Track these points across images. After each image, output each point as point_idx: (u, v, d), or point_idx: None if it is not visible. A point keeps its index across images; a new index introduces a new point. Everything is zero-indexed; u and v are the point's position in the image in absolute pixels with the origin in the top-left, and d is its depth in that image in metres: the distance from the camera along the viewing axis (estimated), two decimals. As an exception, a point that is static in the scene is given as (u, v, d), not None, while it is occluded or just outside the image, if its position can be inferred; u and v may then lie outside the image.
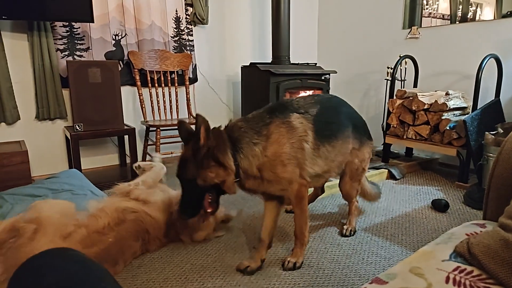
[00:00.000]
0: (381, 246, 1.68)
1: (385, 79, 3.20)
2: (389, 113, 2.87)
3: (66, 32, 2.59)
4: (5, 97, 2.40)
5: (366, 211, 2.10)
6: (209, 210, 1.38)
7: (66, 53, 2.60)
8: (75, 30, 2.62)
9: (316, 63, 3.42)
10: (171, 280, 1.42)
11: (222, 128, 1.39)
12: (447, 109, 2.51)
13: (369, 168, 2.68)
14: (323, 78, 3.21)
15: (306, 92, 3.25)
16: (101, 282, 0.55)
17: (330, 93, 3.31)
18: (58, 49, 2.56)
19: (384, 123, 3.02)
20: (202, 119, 1.25)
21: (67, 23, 2.57)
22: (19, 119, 2.54)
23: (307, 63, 3.35)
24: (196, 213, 1.39)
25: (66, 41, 2.59)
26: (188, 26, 3.17)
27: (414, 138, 2.69)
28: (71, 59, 2.62)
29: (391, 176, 2.70)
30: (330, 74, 3.26)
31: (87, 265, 0.58)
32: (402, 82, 3.16)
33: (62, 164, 2.75)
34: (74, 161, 2.40)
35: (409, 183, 2.62)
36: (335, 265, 1.51)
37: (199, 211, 1.37)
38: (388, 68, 3.14)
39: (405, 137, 2.76)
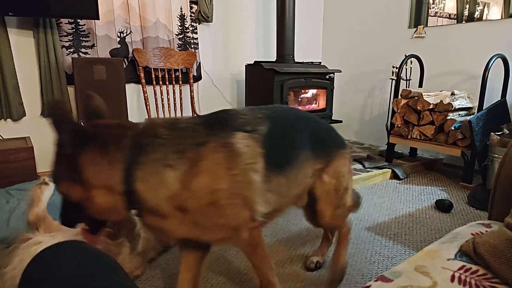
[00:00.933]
0: (384, 245, 1.68)
1: (390, 79, 3.19)
2: (393, 112, 2.86)
3: (72, 29, 2.60)
4: (11, 94, 2.42)
5: (369, 211, 2.09)
6: (86, 227, 1.02)
7: (72, 50, 2.61)
8: (80, 27, 2.63)
9: (320, 62, 3.41)
10: (175, 277, 1.42)
11: (133, 126, 0.99)
12: (453, 109, 2.50)
13: (372, 168, 2.70)
14: (327, 77, 3.20)
15: (307, 92, 3.25)
16: (113, 275, 0.55)
17: (334, 92, 3.30)
18: (63, 46, 2.57)
19: (389, 123, 3.02)
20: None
21: (73, 20, 2.58)
22: (25, 116, 2.55)
23: (312, 62, 3.35)
24: (74, 223, 1.03)
25: (71, 38, 2.60)
26: (192, 24, 3.17)
27: (418, 138, 2.68)
28: (76, 56, 2.63)
29: (394, 176, 2.70)
30: (335, 73, 3.25)
31: (99, 258, 0.59)
32: (407, 81, 3.14)
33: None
34: (78, 158, 2.41)
35: (413, 183, 2.61)
36: (338, 264, 1.51)
37: (78, 221, 1.02)
38: (393, 67, 3.12)
39: (409, 137, 2.75)
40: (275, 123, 1.11)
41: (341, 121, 3.29)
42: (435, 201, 2.16)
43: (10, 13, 2.27)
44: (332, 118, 3.31)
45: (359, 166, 2.79)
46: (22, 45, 2.50)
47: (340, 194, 1.26)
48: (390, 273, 0.74)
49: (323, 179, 1.21)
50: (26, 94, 2.54)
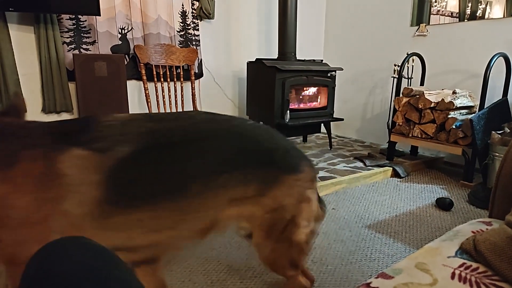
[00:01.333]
0: (384, 243, 1.68)
1: (392, 77, 3.18)
2: (394, 111, 2.86)
3: (73, 25, 2.59)
4: (12, 89, 2.41)
5: (370, 208, 2.09)
6: None
7: (73, 46, 2.61)
8: (81, 23, 2.62)
9: (322, 60, 3.40)
10: (177, 272, 1.43)
11: None
12: (454, 107, 2.49)
13: (373, 166, 2.70)
14: (329, 75, 3.20)
15: (308, 90, 3.25)
16: (115, 270, 0.55)
17: (336, 89, 3.30)
18: (64, 42, 2.57)
19: (390, 121, 3.01)
20: None
21: (74, 16, 2.58)
22: (25, 112, 2.55)
23: (313, 60, 3.34)
24: None
25: (72, 34, 2.60)
26: (194, 20, 3.17)
27: (419, 136, 2.68)
28: (77, 52, 2.62)
29: (395, 174, 2.69)
30: (336, 71, 3.24)
31: (100, 253, 0.58)
32: (409, 80, 3.14)
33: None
34: (79, 154, 2.41)
35: (414, 181, 2.61)
36: (339, 261, 1.52)
37: None
38: (395, 65, 3.12)
39: (410, 135, 2.74)
40: (156, 142, 0.88)
41: (342, 119, 3.29)
42: (435, 199, 2.16)
43: (10, 8, 2.27)
44: (334, 116, 3.31)
45: (360, 164, 2.78)
46: (23, 41, 2.50)
47: (280, 228, 1.00)
48: (390, 270, 0.74)
49: (255, 210, 0.97)
50: (27, 90, 2.54)
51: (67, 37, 2.58)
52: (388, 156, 2.94)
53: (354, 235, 1.75)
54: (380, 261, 1.52)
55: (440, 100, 2.54)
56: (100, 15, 2.54)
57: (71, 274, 0.52)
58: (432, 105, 2.56)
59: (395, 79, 2.98)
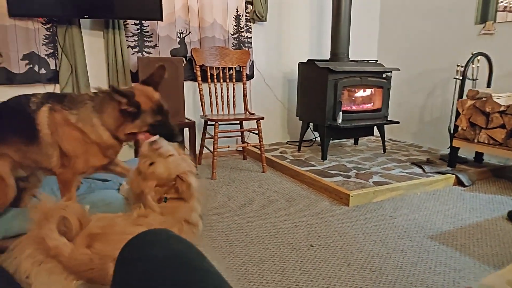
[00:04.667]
0: (450, 256, 1.58)
1: (454, 78, 2.98)
2: (457, 114, 2.67)
3: (137, 30, 2.75)
4: (83, 90, 2.61)
5: (432, 218, 1.98)
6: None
7: (136, 49, 2.76)
8: (144, 28, 2.77)
9: (376, 60, 3.29)
10: (232, 269, 1.46)
11: None
12: (528, 111, 2.28)
13: (433, 173, 2.55)
14: (384, 75, 3.08)
15: (361, 91, 3.15)
16: (204, 262, 0.58)
17: (391, 91, 3.17)
18: (129, 46, 2.73)
19: (452, 125, 2.83)
20: None
21: (138, 22, 2.73)
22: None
23: (367, 60, 3.24)
24: None
25: (136, 39, 2.75)
26: (247, 23, 3.21)
27: (486, 142, 2.49)
28: (140, 55, 2.78)
29: (458, 182, 2.52)
30: (392, 72, 3.12)
31: (189, 245, 0.61)
32: (474, 81, 2.93)
33: (128, 154, 2.94)
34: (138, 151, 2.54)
35: (480, 190, 2.42)
36: (399, 272, 1.45)
37: None
38: (458, 66, 2.92)
39: (476, 141, 2.55)
40: None
41: (398, 122, 3.14)
42: (507, 212, 1.99)
43: (85, 16, 2.46)
44: (388, 119, 3.18)
45: (418, 170, 2.65)
46: (94, 45, 2.69)
47: None
48: (480, 287, 0.69)
49: None
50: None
51: (132, 41, 2.74)
52: (450, 162, 2.76)
53: (415, 245, 1.67)
54: (446, 275, 1.43)
55: (511, 103, 2.33)
56: (162, 20, 2.68)
57: (167, 258, 0.54)
58: (502, 108, 2.37)
59: (458, 81, 2.79)
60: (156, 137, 1.40)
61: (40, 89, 2.57)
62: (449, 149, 2.79)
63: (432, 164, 2.76)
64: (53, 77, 2.57)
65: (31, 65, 2.49)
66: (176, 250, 0.58)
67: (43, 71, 2.53)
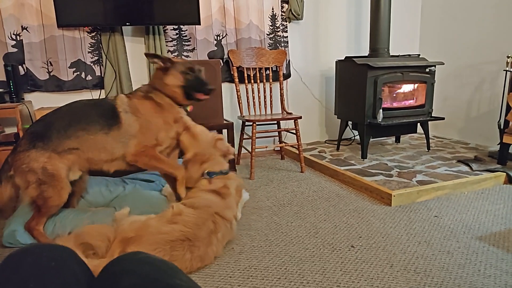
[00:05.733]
0: (501, 258, 1.49)
1: (504, 70, 2.79)
2: (508, 108, 2.50)
3: (176, 35, 2.85)
4: (126, 94, 2.75)
5: (480, 218, 1.87)
6: None
7: (175, 54, 2.86)
8: (183, 32, 2.87)
9: (419, 55, 3.16)
10: (272, 269, 1.47)
11: None
12: None
13: (482, 171, 2.41)
14: (427, 70, 2.95)
15: (403, 87, 3.03)
16: (173, 279, 0.60)
17: (435, 86, 3.03)
18: (169, 51, 2.83)
19: (502, 120, 2.65)
20: None
21: (177, 27, 2.83)
22: None
23: (409, 55, 3.12)
24: None
25: (175, 43, 2.85)
26: (283, 23, 3.21)
27: (543, 138, 2.31)
28: (180, 59, 2.86)
29: (509, 181, 2.37)
30: (436, 66, 2.98)
31: (157, 265, 0.63)
32: (527, 73, 2.72)
33: (169, 155, 3.06)
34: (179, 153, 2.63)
35: (535, 190, 2.26)
36: (445, 274, 1.39)
37: None
38: (508, 57, 2.73)
39: (530, 136, 2.38)
40: None
41: (443, 118, 3.00)
42: None
43: (127, 23, 2.59)
44: (432, 115, 3.04)
45: (465, 168, 2.51)
46: (135, 51, 2.83)
47: None
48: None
49: None
50: (138, 94, 2.86)
51: (171, 46, 2.84)
52: (500, 159, 2.59)
53: (463, 247, 1.59)
54: (497, 279, 1.35)
55: None
56: (200, 24, 2.75)
57: (135, 285, 0.57)
58: (561, 101, 2.19)
59: (509, 73, 2.61)
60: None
61: (87, 95, 2.75)
62: (498, 145, 2.62)
63: (480, 162, 2.61)
64: (99, 83, 2.74)
65: (78, 72, 2.66)
66: (144, 275, 0.60)
67: (89, 77, 2.70)
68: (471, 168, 2.50)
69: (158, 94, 1.79)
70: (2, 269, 0.59)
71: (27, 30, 2.48)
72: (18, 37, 2.48)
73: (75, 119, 1.66)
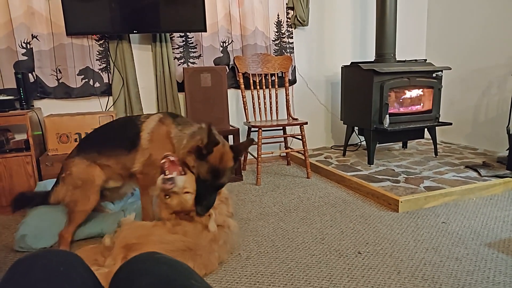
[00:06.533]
0: (510, 265, 1.47)
1: (512, 75, 2.78)
2: (517, 113, 2.48)
3: (182, 42, 2.88)
4: (134, 101, 2.78)
5: (489, 224, 1.85)
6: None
7: (182, 60, 2.89)
8: (189, 39, 2.90)
9: (425, 59, 3.15)
10: (278, 275, 1.47)
11: None
12: None
13: (490, 176, 2.39)
14: (434, 75, 2.94)
15: (409, 92, 3.02)
16: (190, 280, 0.60)
17: (442, 91, 3.01)
18: (175, 58, 2.87)
19: (511, 125, 2.63)
20: None
21: (183, 34, 2.87)
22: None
23: (415, 60, 3.11)
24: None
25: (182, 50, 2.89)
26: (288, 29, 3.23)
27: (552, 143, 2.28)
28: (186, 66, 2.90)
29: (520, 187, 2.34)
30: (443, 70, 2.96)
31: (174, 265, 0.64)
32: (536, 77, 2.70)
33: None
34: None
35: (545, 195, 2.23)
36: (454, 281, 1.37)
37: None
38: (516, 61, 2.72)
39: (539, 141, 2.35)
40: None
41: (450, 124, 2.98)
42: None
43: (135, 31, 2.63)
44: (440, 121, 3.02)
45: (473, 174, 2.49)
46: (143, 58, 2.86)
47: None
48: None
49: None
50: (145, 100, 2.90)
51: (178, 53, 2.87)
52: (509, 165, 2.56)
53: (471, 254, 1.57)
54: (506, 286, 1.33)
55: None
56: (206, 31, 2.78)
57: (152, 285, 0.57)
58: None
59: (518, 77, 2.59)
60: (174, 174, 1.51)
61: (95, 102, 2.78)
62: (507, 151, 2.59)
63: (489, 167, 2.58)
64: (107, 90, 2.77)
65: (87, 79, 2.70)
66: (160, 275, 0.60)
67: (97, 84, 2.74)
68: (479, 173, 2.47)
69: (183, 144, 1.62)
70: (12, 273, 0.60)
71: (37, 39, 2.53)
72: (28, 45, 2.53)
73: (109, 139, 1.78)
